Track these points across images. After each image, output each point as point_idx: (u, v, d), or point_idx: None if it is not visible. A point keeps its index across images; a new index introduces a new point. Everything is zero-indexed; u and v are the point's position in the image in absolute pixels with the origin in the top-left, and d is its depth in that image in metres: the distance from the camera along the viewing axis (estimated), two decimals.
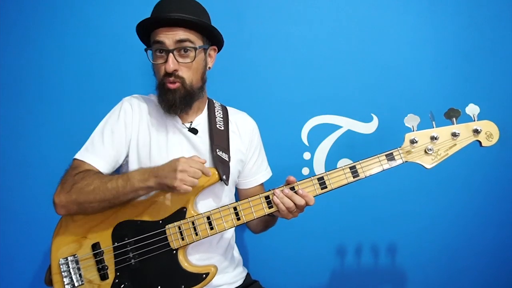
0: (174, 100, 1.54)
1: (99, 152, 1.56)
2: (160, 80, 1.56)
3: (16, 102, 2.05)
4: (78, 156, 1.57)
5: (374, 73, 2.08)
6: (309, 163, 2.08)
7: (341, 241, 2.08)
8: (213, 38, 1.64)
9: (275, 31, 2.08)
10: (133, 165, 1.60)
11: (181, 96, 1.55)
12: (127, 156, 1.62)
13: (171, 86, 1.53)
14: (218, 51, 1.71)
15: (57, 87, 2.06)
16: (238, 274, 1.74)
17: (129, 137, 1.60)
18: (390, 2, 2.07)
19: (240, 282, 1.73)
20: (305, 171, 2.08)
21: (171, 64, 1.50)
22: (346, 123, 2.09)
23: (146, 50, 1.59)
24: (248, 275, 1.80)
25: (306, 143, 2.08)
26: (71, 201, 1.47)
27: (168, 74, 1.52)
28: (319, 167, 2.08)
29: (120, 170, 1.68)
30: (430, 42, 2.07)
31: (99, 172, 1.53)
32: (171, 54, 1.51)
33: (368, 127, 2.09)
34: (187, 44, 1.53)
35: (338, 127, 2.09)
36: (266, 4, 2.07)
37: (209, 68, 1.67)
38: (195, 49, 1.55)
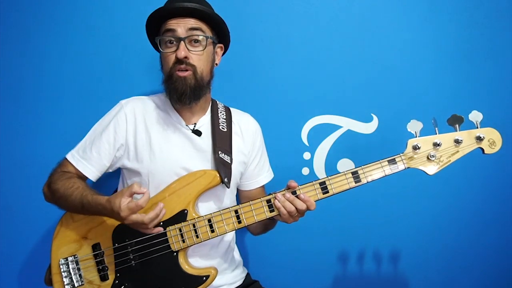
0: (185, 89, 1.53)
1: (87, 158, 1.58)
2: (169, 70, 1.54)
3: (16, 102, 2.03)
4: (68, 156, 1.61)
5: (374, 73, 2.07)
6: (309, 163, 2.08)
7: (341, 241, 2.08)
8: (221, 34, 1.64)
9: (275, 31, 2.06)
10: (133, 170, 1.60)
11: (192, 86, 1.53)
12: (122, 162, 1.61)
13: (182, 74, 1.52)
14: (224, 51, 1.71)
15: (57, 87, 2.03)
16: (238, 274, 1.75)
17: (118, 145, 1.59)
18: (390, 2, 2.06)
19: (240, 282, 1.74)
20: (305, 171, 2.08)
21: (183, 51, 1.50)
22: (346, 123, 2.08)
23: (156, 39, 1.57)
24: (248, 275, 1.81)
25: (306, 143, 2.08)
26: (50, 196, 1.56)
27: (178, 62, 1.51)
28: (319, 167, 2.08)
29: (121, 175, 1.69)
30: (430, 42, 2.06)
31: (77, 178, 1.55)
32: (182, 42, 1.51)
33: (368, 127, 2.08)
34: (199, 32, 1.54)
35: (338, 127, 2.08)
36: (266, 4, 2.05)
37: (216, 64, 1.67)
38: (207, 38, 1.55)
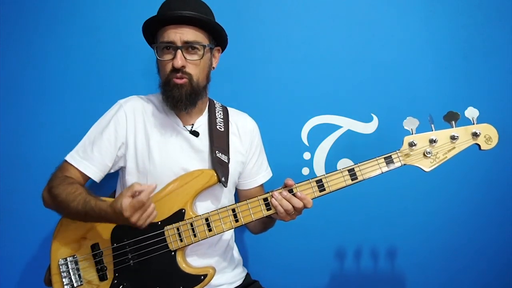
0: (181, 96, 1.53)
1: (89, 158, 1.57)
2: (166, 76, 1.55)
3: (17, 102, 2.04)
4: (68, 158, 1.59)
5: (374, 73, 2.07)
6: (309, 163, 2.08)
7: (340, 241, 2.08)
8: (219, 38, 1.64)
9: (275, 31, 2.07)
10: (131, 170, 1.60)
11: (187, 93, 1.54)
12: (123, 161, 1.61)
13: (178, 81, 1.52)
14: (221, 52, 1.72)
15: (57, 87, 2.05)
16: (238, 274, 1.75)
17: (119, 144, 1.59)
18: (390, 2, 2.06)
19: (239, 282, 1.74)
20: (305, 171, 2.08)
21: (179, 60, 1.50)
22: (346, 123, 2.08)
23: (152, 46, 1.58)
24: (248, 275, 1.81)
25: (306, 143, 2.08)
26: (50, 202, 1.53)
27: (175, 70, 1.52)
28: (319, 167, 2.08)
29: (119, 175, 1.70)
30: (430, 42, 2.06)
31: (79, 183, 1.53)
32: (179, 51, 1.51)
33: (368, 127, 2.08)
34: (196, 42, 1.53)
35: (338, 127, 2.08)
36: (266, 4, 2.06)
37: (213, 68, 1.67)
38: (204, 47, 1.55)
